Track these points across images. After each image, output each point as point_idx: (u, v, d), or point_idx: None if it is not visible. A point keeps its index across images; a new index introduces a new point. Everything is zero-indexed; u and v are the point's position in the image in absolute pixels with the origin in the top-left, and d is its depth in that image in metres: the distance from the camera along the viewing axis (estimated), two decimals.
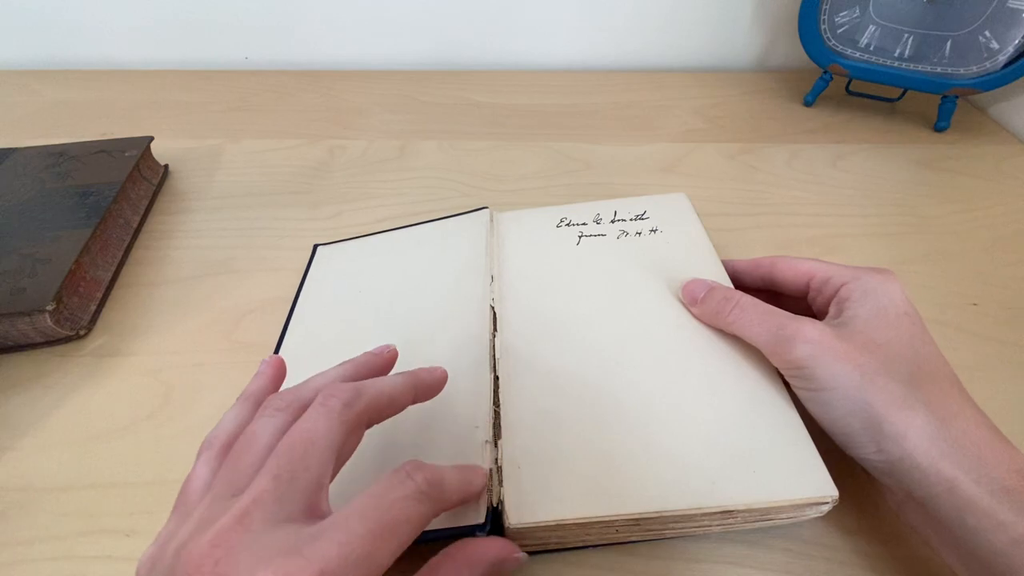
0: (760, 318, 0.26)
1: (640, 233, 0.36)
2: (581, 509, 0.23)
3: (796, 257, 0.29)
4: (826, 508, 0.23)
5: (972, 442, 0.21)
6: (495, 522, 0.23)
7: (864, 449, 0.23)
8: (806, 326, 0.24)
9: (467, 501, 0.22)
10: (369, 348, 0.26)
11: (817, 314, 0.27)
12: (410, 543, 0.17)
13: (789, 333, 0.24)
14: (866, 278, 0.26)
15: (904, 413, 0.22)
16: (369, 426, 0.21)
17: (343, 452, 0.20)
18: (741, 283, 0.31)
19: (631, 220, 0.37)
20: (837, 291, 0.26)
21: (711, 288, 0.29)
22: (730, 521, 0.24)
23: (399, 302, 0.34)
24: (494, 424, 0.26)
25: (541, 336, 0.30)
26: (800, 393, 0.25)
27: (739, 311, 0.27)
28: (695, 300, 0.29)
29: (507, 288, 0.33)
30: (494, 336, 0.30)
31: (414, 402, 0.23)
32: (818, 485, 0.23)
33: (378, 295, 0.35)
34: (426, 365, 0.25)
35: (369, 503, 0.17)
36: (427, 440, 0.26)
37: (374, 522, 0.17)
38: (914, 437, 0.21)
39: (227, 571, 0.15)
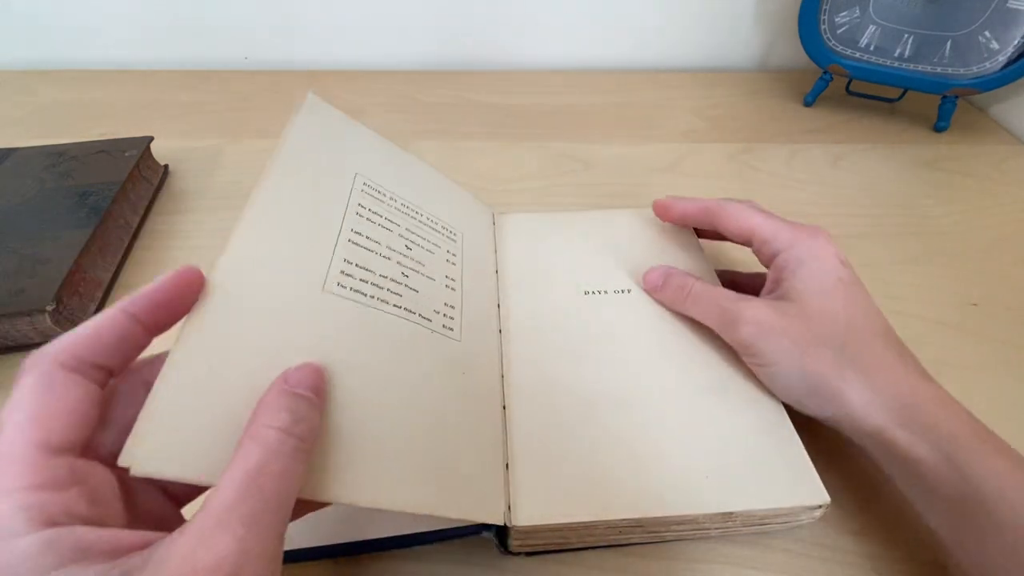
0: (709, 305, 0.28)
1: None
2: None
3: (739, 207, 0.30)
4: (819, 513, 0.24)
5: (892, 385, 0.23)
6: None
7: (817, 411, 0.25)
8: (748, 309, 0.26)
9: None
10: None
11: (763, 263, 0.30)
12: None
13: (733, 317, 0.27)
14: (800, 246, 0.27)
15: (836, 373, 0.24)
16: None
17: None
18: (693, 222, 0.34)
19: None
20: (774, 257, 0.28)
21: (667, 275, 0.31)
22: (729, 524, 0.24)
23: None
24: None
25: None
26: (753, 369, 0.27)
27: (692, 300, 0.29)
28: (656, 288, 0.31)
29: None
30: (498, 335, 0.30)
31: None
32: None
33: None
34: None
35: None
36: None
37: None
38: (848, 392, 0.24)
39: None
